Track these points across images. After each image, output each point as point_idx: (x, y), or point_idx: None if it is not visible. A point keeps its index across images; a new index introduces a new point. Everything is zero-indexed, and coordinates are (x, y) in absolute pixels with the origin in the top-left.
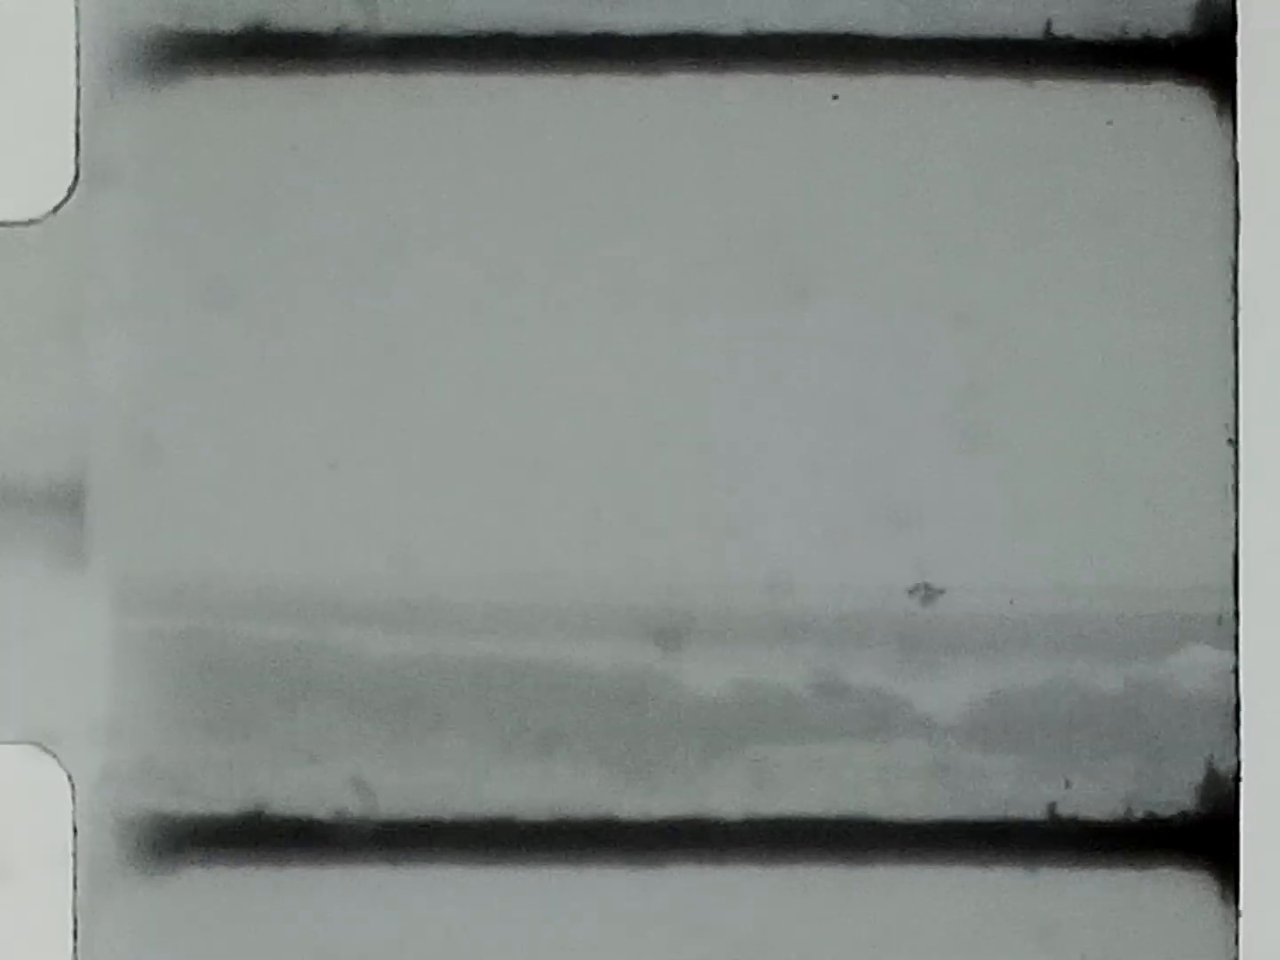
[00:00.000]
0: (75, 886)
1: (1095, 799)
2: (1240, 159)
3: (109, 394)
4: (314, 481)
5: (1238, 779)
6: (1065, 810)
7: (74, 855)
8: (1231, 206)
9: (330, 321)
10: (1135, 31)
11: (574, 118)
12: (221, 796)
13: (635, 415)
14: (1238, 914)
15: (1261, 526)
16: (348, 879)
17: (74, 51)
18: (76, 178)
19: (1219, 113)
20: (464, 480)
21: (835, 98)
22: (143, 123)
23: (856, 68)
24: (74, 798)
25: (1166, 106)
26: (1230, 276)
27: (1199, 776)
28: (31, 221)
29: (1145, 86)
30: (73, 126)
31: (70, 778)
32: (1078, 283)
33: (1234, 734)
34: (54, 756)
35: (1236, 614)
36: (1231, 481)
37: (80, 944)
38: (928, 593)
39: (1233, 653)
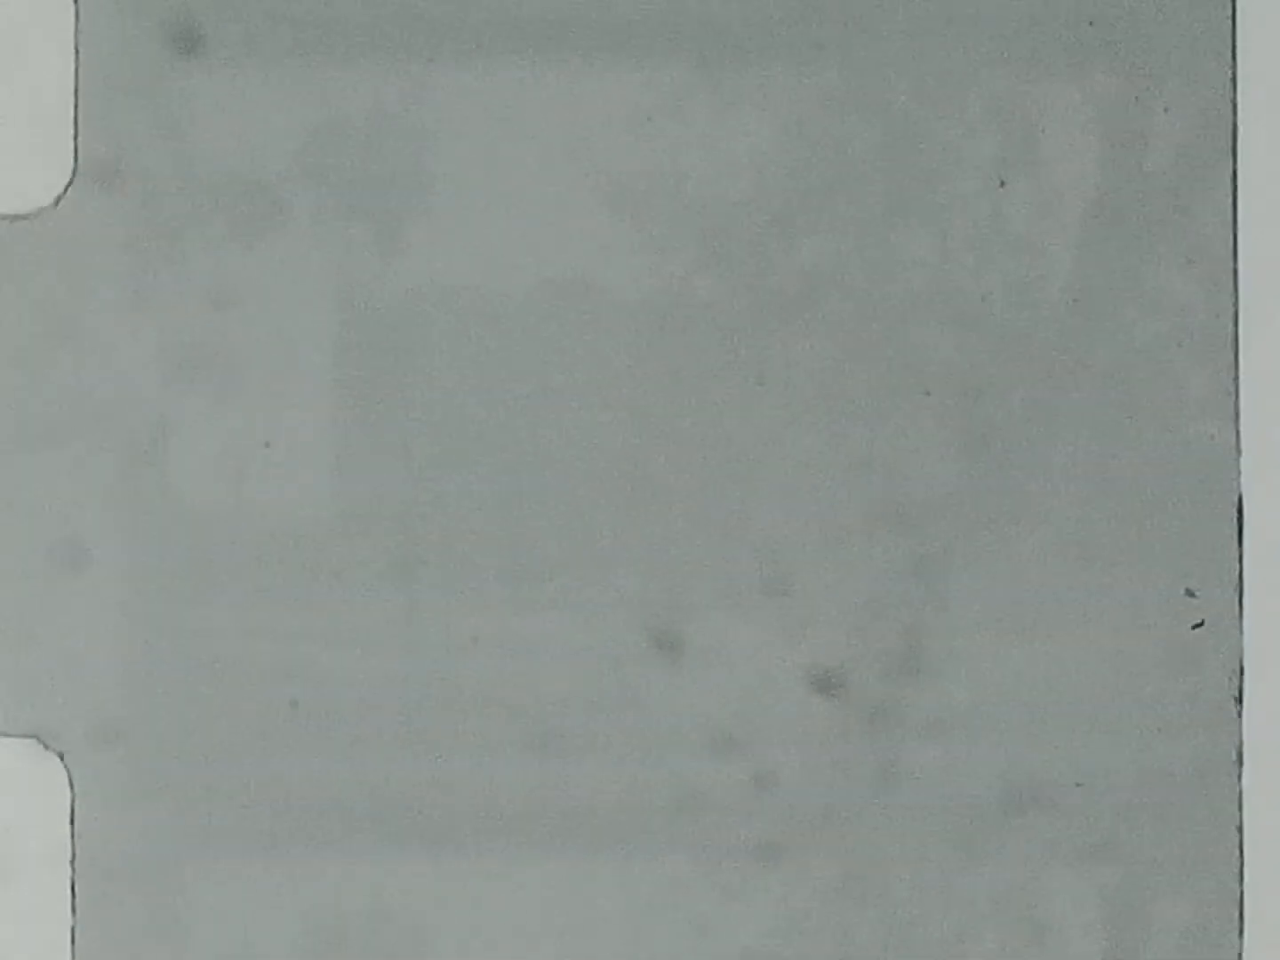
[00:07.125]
0: (75, 886)
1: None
2: (1239, 146)
3: (109, 391)
4: (312, 453)
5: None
6: (1068, 804)
7: (73, 854)
8: (1230, 188)
9: (332, 320)
10: (1135, 21)
11: (578, 107)
12: (223, 793)
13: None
14: (1241, 900)
15: (1263, 523)
16: (350, 874)
17: (73, 44)
18: (75, 171)
19: (1218, 100)
20: (464, 478)
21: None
22: (142, 116)
23: (862, 57)
24: (73, 797)
25: (1161, 95)
26: (1230, 260)
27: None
28: (30, 215)
29: (1141, 76)
30: (71, 119)
31: (70, 776)
32: (1079, 269)
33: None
34: (55, 754)
35: (1240, 611)
36: (1235, 479)
37: (80, 943)
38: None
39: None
